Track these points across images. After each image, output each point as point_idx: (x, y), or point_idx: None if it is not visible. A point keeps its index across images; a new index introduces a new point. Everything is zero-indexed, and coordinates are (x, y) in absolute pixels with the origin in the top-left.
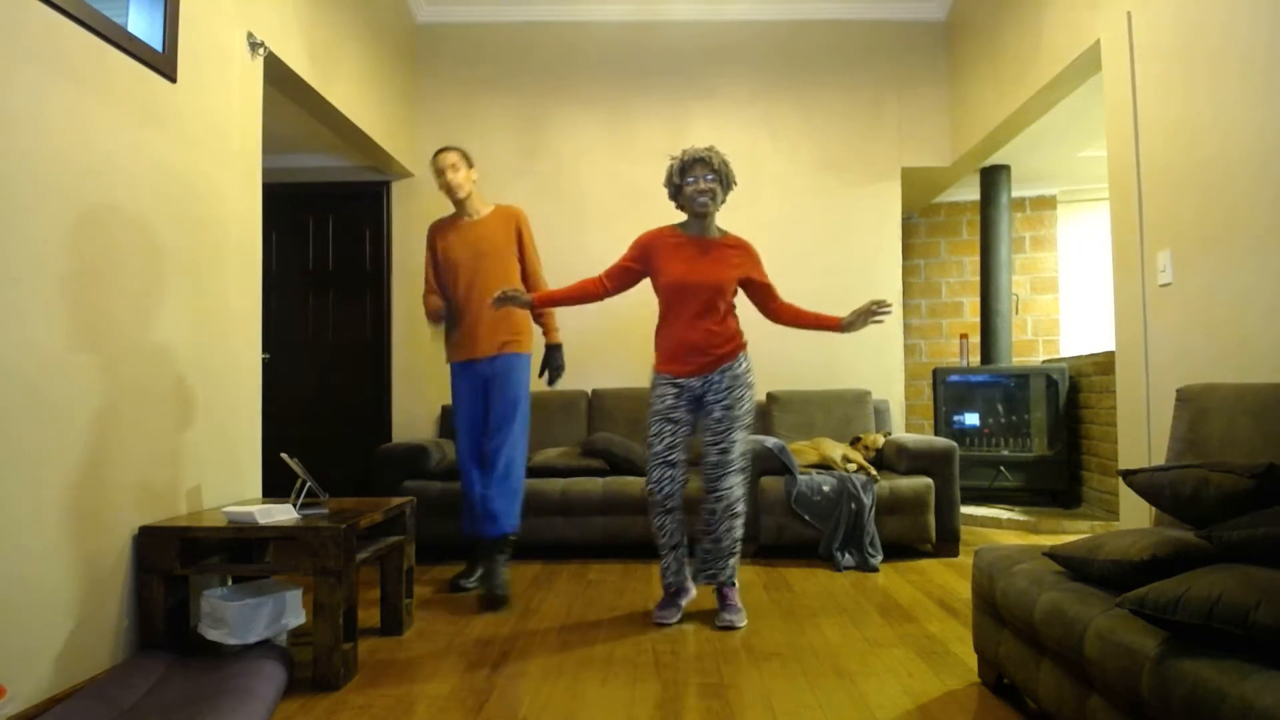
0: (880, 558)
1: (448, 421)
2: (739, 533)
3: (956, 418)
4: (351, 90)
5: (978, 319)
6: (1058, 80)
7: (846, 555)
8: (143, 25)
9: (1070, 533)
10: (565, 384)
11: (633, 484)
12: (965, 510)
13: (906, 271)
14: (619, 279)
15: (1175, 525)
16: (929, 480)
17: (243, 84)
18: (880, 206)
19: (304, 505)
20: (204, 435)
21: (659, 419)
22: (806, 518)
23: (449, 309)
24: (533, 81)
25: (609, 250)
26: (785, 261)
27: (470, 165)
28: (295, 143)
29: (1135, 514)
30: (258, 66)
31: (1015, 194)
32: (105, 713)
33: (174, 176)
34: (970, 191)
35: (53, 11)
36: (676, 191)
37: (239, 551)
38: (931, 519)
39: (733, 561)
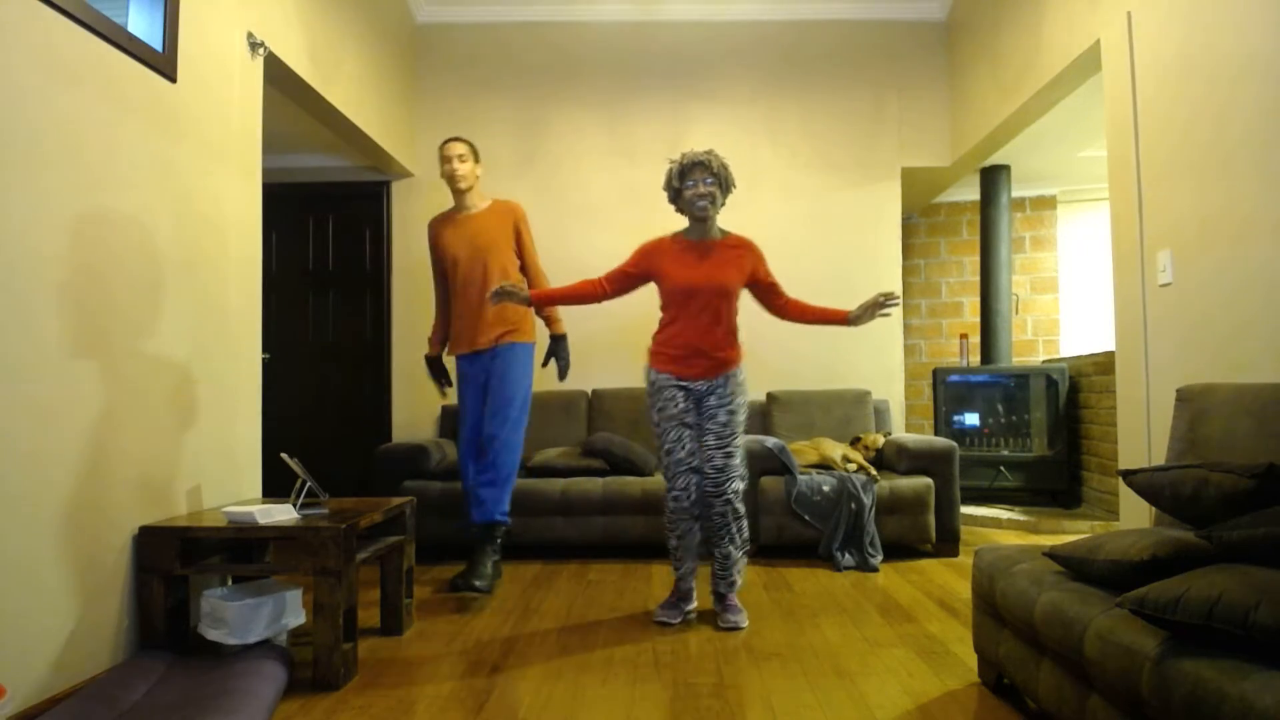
0: (880, 558)
1: (448, 421)
2: (746, 533)
3: (956, 418)
4: (351, 90)
5: (978, 319)
6: (1058, 80)
7: (846, 555)
8: (143, 25)
9: (1070, 533)
10: (565, 384)
11: (633, 484)
12: (965, 510)
13: (906, 271)
14: (619, 283)
15: (1175, 525)
16: (929, 480)
17: (243, 84)
18: (880, 206)
19: (304, 505)
20: (204, 435)
21: (675, 424)
22: (806, 518)
23: (448, 307)
24: (533, 81)
25: (608, 250)
26: (785, 261)
27: (477, 160)
28: (295, 143)
29: (1135, 514)
30: (258, 66)
31: (1015, 194)
32: (105, 713)
33: (174, 176)
34: (970, 191)
35: (53, 11)
36: (676, 196)
37: (239, 551)
38: (931, 519)
39: (744, 562)
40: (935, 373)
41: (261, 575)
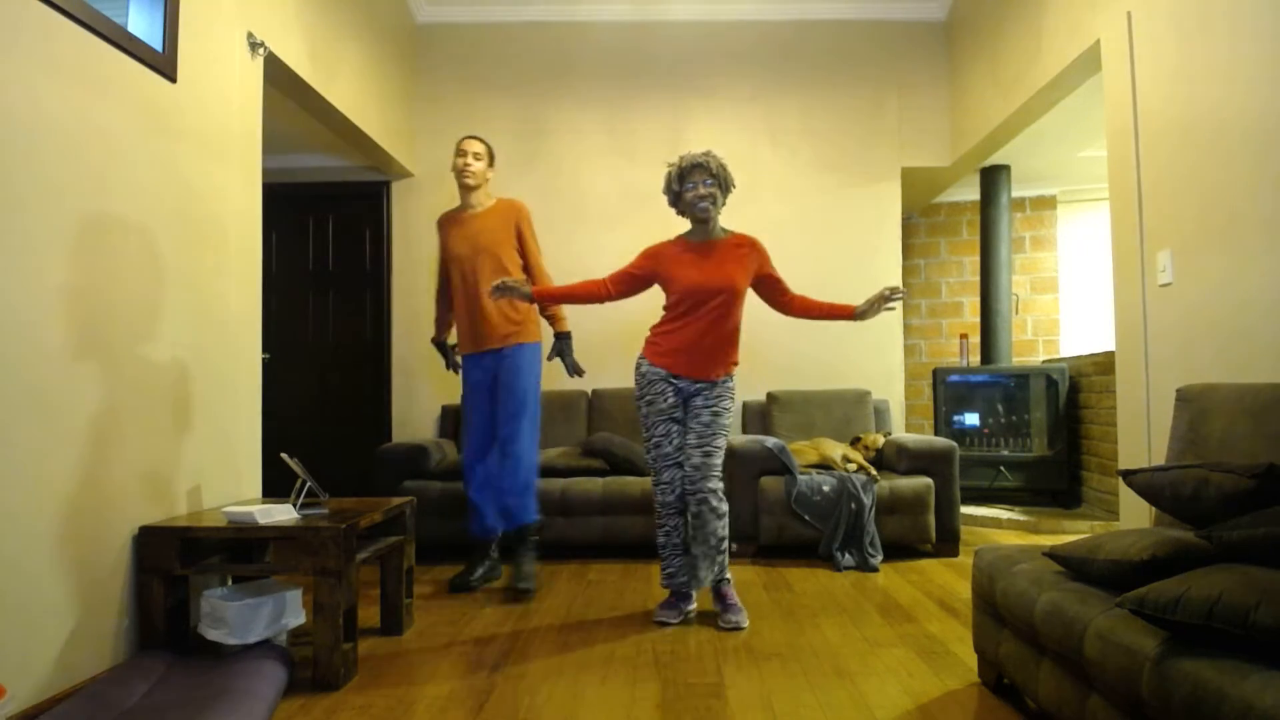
0: (880, 558)
1: (448, 421)
2: (725, 531)
3: (956, 418)
4: (351, 90)
5: (978, 319)
6: (1058, 80)
7: (846, 555)
8: (143, 25)
9: (1070, 533)
10: (565, 384)
11: (633, 484)
12: (965, 510)
13: (906, 271)
14: (623, 285)
15: (1175, 525)
16: (929, 480)
17: (243, 84)
18: (880, 206)
19: (304, 505)
20: (204, 435)
21: (664, 419)
22: (806, 518)
23: (451, 310)
24: (532, 81)
25: (608, 250)
26: (785, 262)
27: (491, 163)
28: (295, 143)
29: (1135, 514)
30: (258, 66)
31: (1015, 194)
32: (105, 713)
33: (174, 176)
34: (970, 191)
35: (53, 11)
36: (676, 198)
37: (239, 551)
38: (931, 519)
39: (720, 561)
40: (935, 373)
41: (261, 575)
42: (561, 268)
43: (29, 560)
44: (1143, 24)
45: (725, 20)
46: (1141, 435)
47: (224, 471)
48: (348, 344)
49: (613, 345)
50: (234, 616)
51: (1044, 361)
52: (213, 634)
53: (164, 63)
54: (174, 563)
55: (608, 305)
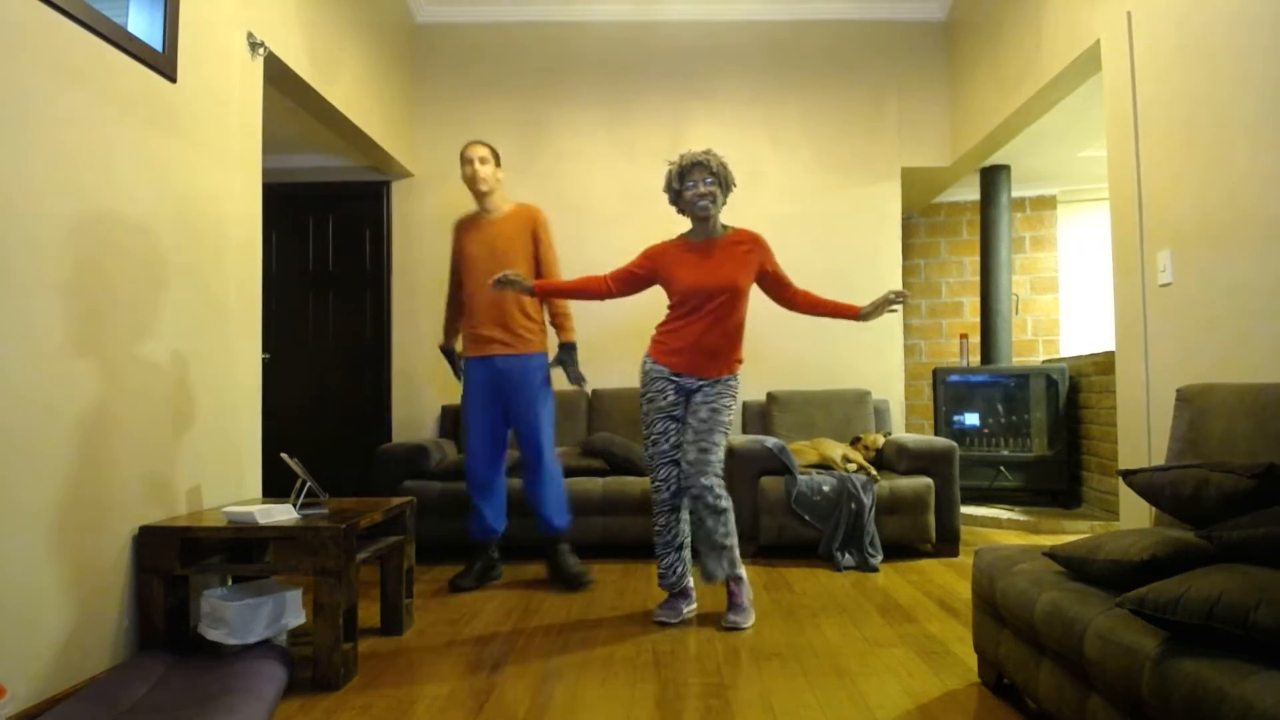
0: (880, 558)
1: (448, 421)
2: (729, 527)
3: (956, 418)
4: (351, 90)
5: (978, 319)
6: (1058, 80)
7: (846, 555)
8: (143, 25)
9: (1070, 533)
10: (565, 384)
11: (633, 484)
12: (965, 510)
13: (906, 271)
14: (624, 283)
15: (1175, 525)
16: (929, 480)
17: (243, 84)
18: (880, 206)
19: (304, 505)
20: (204, 435)
21: (663, 417)
22: (806, 518)
23: (460, 313)
24: (532, 81)
25: (608, 250)
26: (785, 262)
27: (498, 163)
28: (295, 143)
29: (1135, 514)
30: (258, 66)
31: (1015, 194)
32: (105, 713)
33: (174, 176)
34: (970, 191)
35: (53, 11)
36: (676, 197)
37: (239, 551)
38: (931, 519)
39: (727, 557)
40: (935, 373)
41: (261, 575)
42: (561, 267)
43: (29, 560)
44: (1143, 24)
45: (725, 20)
46: (1141, 435)
47: (224, 471)
48: (348, 344)
49: (613, 346)
50: (234, 616)
51: (1044, 361)
52: (213, 634)
53: (164, 63)
54: (174, 563)
55: (608, 306)
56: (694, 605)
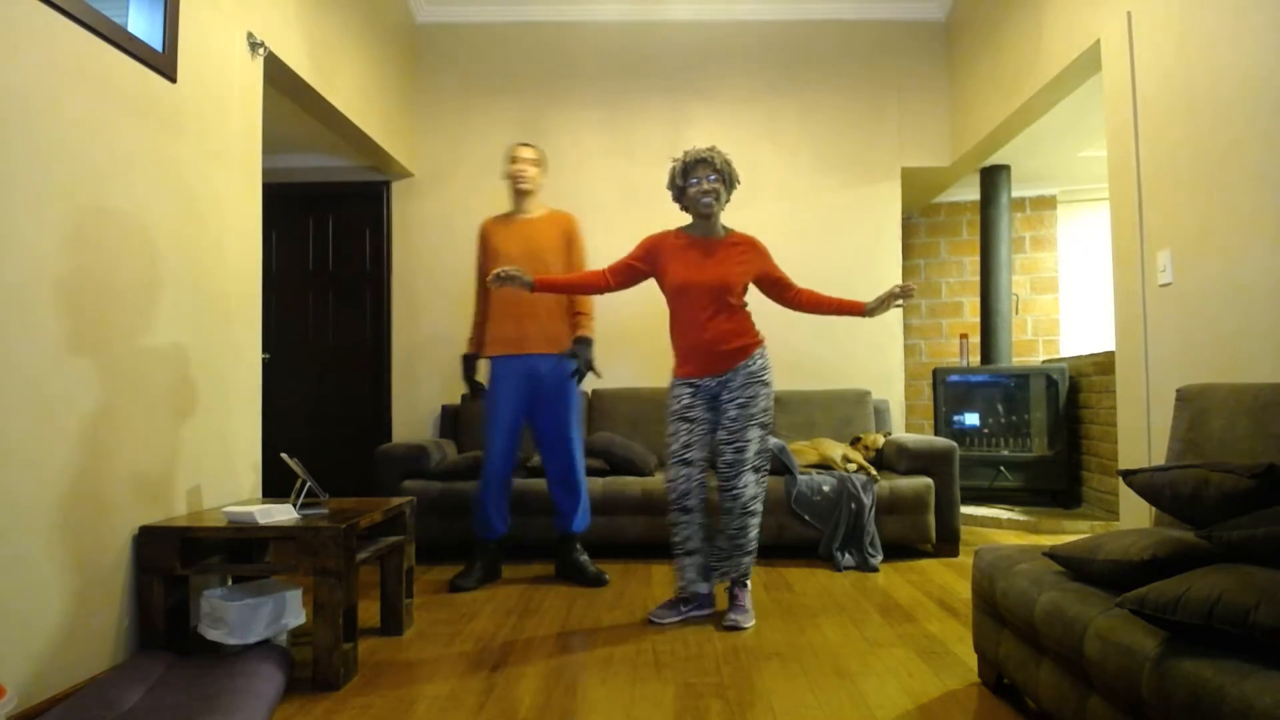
0: (880, 558)
1: (448, 421)
2: (754, 533)
3: (956, 418)
4: (351, 90)
5: (978, 319)
6: (1058, 80)
7: (846, 555)
8: (143, 25)
9: (1070, 533)
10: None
11: (633, 484)
12: (965, 510)
13: (906, 271)
14: (622, 275)
15: (1175, 525)
16: (929, 480)
17: (243, 84)
18: (880, 206)
19: (304, 505)
20: (204, 435)
21: (675, 419)
22: (806, 518)
23: (488, 307)
24: (533, 81)
25: (608, 250)
26: (785, 262)
27: (544, 168)
28: (295, 143)
29: (1135, 514)
30: (258, 66)
31: (1015, 194)
32: (105, 713)
33: (174, 176)
34: (970, 191)
35: (53, 11)
36: (680, 194)
37: (239, 551)
38: (931, 519)
39: (746, 560)
40: (935, 373)
41: (261, 575)
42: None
43: (29, 560)
44: (1143, 24)
45: (725, 20)
46: (1141, 435)
47: (224, 471)
48: (348, 344)
49: (612, 347)
50: (234, 616)
51: (1044, 361)
52: (213, 634)
53: (164, 63)
54: (174, 563)
55: (606, 308)
56: (706, 608)
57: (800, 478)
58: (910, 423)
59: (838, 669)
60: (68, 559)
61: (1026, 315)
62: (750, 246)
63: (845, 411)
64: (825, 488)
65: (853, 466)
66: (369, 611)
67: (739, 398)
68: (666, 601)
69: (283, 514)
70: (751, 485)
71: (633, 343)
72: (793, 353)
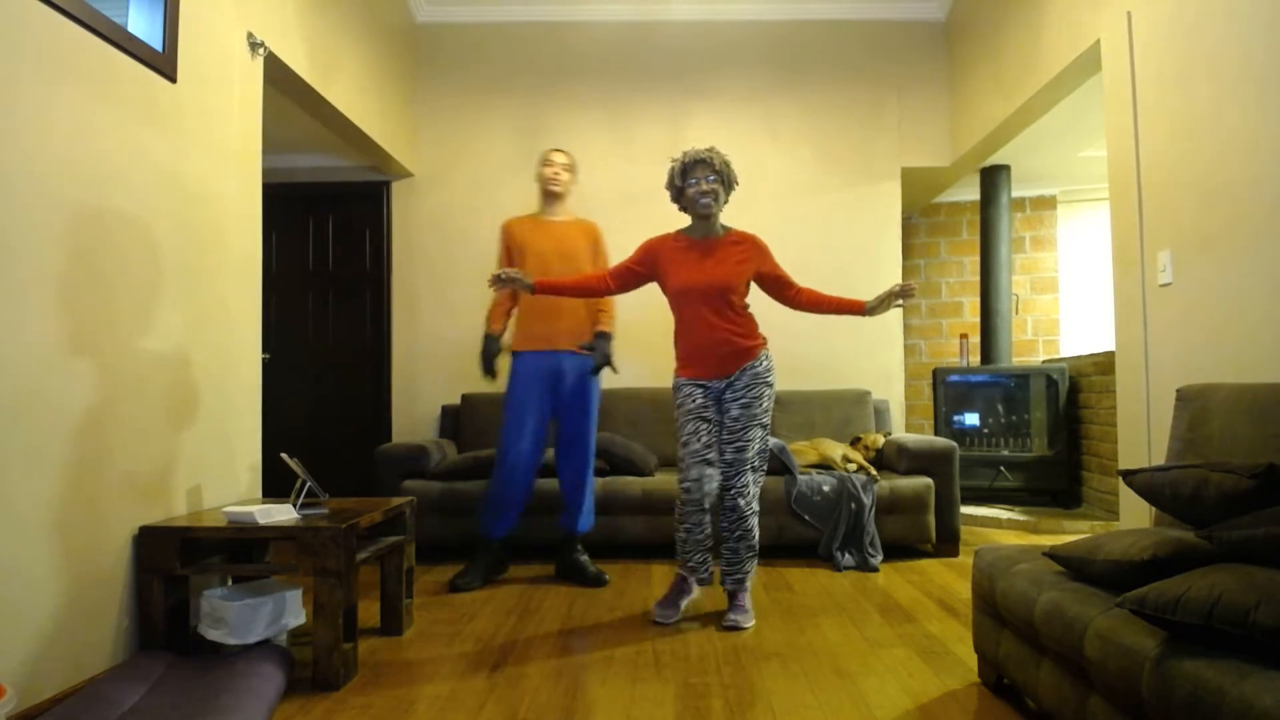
0: (880, 558)
1: (448, 421)
2: (756, 532)
3: (956, 418)
4: (351, 90)
5: (978, 319)
6: (1058, 80)
7: (846, 555)
8: (143, 25)
9: (1070, 533)
10: None
11: (632, 484)
12: (965, 510)
13: (906, 271)
14: (622, 279)
15: (1175, 525)
16: (929, 480)
17: (243, 84)
18: (880, 206)
19: (304, 505)
20: (204, 435)
21: (692, 418)
22: (806, 518)
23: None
24: (533, 81)
25: (608, 250)
26: (785, 262)
27: (574, 175)
28: (295, 143)
29: (1135, 514)
30: (258, 66)
31: (1015, 194)
32: (105, 713)
33: (174, 176)
34: (970, 191)
35: (53, 11)
36: (679, 194)
37: (239, 551)
38: (931, 519)
39: (753, 561)
40: (935, 373)
41: (261, 575)
42: None
43: (28, 560)
44: (1143, 24)
45: (725, 20)
46: (1141, 435)
47: (224, 471)
48: (348, 344)
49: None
50: (234, 616)
51: (1044, 361)
52: (213, 634)
53: (164, 63)
54: (174, 563)
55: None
56: (694, 593)
57: (800, 478)
58: (910, 423)
59: (838, 669)
60: (68, 559)
61: (1026, 315)
62: (750, 244)
63: (845, 411)
64: (825, 488)
65: (853, 466)
66: (369, 611)
67: (743, 398)
68: (663, 599)
69: (283, 514)
70: (751, 484)
71: (632, 343)
72: (793, 353)
